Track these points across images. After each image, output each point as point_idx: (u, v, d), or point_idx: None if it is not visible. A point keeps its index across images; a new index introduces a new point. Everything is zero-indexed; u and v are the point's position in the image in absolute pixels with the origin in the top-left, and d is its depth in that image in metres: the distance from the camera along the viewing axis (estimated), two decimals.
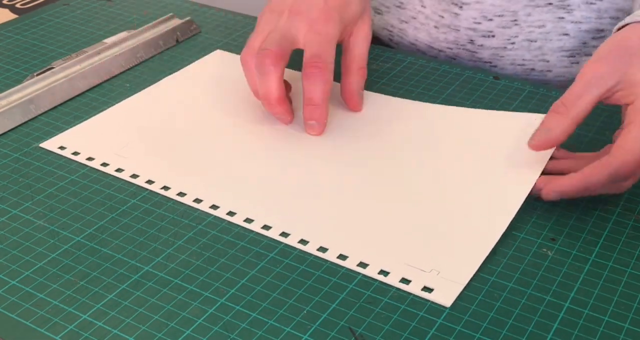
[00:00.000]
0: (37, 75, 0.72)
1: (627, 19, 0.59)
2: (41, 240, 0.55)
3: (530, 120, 0.64)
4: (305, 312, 0.49)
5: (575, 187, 0.54)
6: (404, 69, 0.75)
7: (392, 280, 0.51)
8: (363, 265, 0.52)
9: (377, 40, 0.85)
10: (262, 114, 0.68)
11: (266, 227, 0.55)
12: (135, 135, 0.65)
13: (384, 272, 0.51)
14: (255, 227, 0.56)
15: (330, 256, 0.53)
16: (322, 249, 0.53)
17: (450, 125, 0.66)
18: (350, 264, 0.52)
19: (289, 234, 0.55)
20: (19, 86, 0.70)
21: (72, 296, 0.50)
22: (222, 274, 0.52)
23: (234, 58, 0.77)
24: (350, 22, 0.65)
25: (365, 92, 0.71)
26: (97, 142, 0.65)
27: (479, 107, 0.69)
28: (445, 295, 0.50)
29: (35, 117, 0.69)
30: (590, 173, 0.53)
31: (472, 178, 0.59)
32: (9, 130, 0.67)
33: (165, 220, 0.57)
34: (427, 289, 0.50)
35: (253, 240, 0.55)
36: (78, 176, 0.61)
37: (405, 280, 0.51)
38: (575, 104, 0.55)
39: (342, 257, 0.53)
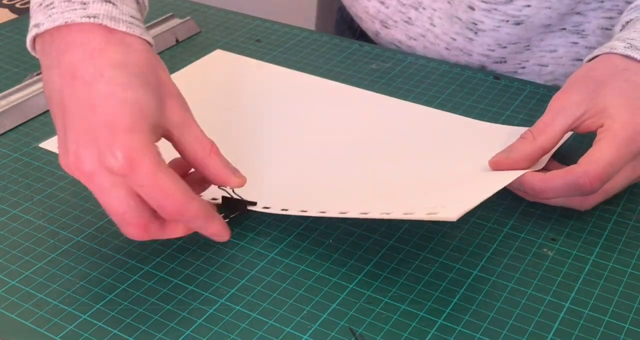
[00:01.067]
0: (37, 75, 0.71)
1: (596, 51, 0.60)
2: (41, 240, 0.55)
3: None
4: (305, 312, 0.49)
5: (532, 184, 0.54)
6: (404, 69, 0.75)
7: (395, 215, 0.50)
8: (364, 214, 0.51)
9: None
10: (263, 113, 0.68)
11: (266, 208, 0.55)
12: None
13: (385, 214, 0.50)
14: (256, 208, 0.56)
15: (332, 214, 0.53)
16: (322, 213, 0.53)
17: (439, 131, 0.66)
18: (352, 214, 0.52)
19: (288, 209, 0.55)
20: (19, 86, 0.70)
21: (72, 296, 0.50)
22: (222, 274, 0.52)
23: (234, 58, 0.77)
24: None
25: (364, 91, 0.71)
26: None
27: (479, 107, 0.69)
28: (451, 212, 0.47)
29: (35, 117, 0.69)
30: (552, 177, 0.53)
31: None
32: (9, 130, 0.67)
33: None
34: (432, 215, 0.48)
35: (253, 239, 0.55)
36: None
37: (408, 214, 0.49)
38: (543, 131, 0.56)
39: (343, 213, 0.52)
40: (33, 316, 0.49)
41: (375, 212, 0.51)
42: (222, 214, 0.55)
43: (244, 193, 0.57)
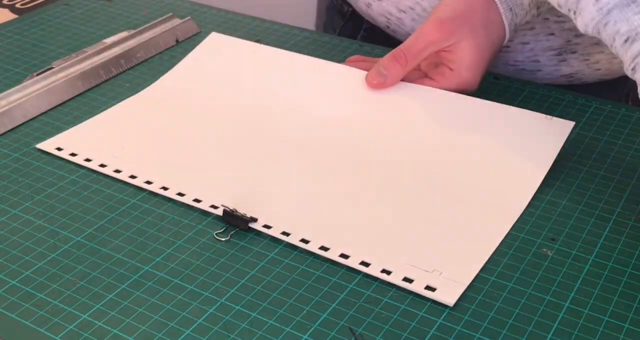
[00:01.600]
0: (37, 75, 0.72)
1: None
2: (41, 240, 0.55)
3: (542, 121, 0.64)
4: (305, 312, 0.49)
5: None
6: None
7: (395, 279, 0.51)
8: (365, 264, 0.52)
9: (374, 27, 0.85)
10: (262, 112, 0.67)
11: (267, 227, 0.55)
12: (134, 136, 0.65)
13: (386, 271, 0.51)
14: (256, 226, 0.55)
15: (332, 255, 0.53)
16: (324, 248, 0.53)
17: (460, 119, 0.65)
18: (352, 262, 0.52)
19: (289, 234, 0.55)
20: (19, 86, 0.70)
21: (72, 296, 0.50)
22: (222, 274, 0.52)
23: (231, 42, 0.76)
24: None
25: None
26: (95, 143, 0.64)
27: None
28: (448, 294, 0.50)
29: (35, 117, 0.69)
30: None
31: (476, 179, 0.59)
32: (8, 130, 0.67)
33: (165, 220, 0.57)
34: (429, 288, 0.50)
35: (253, 239, 0.55)
36: (78, 176, 0.61)
37: (407, 280, 0.51)
38: (415, 58, 0.65)
39: (344, 256, 0.53)
40: (33, 316, 0.49)
41: (376, 266, 0.52)
42: (223, 229, 0.55)
43: (246, 205, 0.56)
